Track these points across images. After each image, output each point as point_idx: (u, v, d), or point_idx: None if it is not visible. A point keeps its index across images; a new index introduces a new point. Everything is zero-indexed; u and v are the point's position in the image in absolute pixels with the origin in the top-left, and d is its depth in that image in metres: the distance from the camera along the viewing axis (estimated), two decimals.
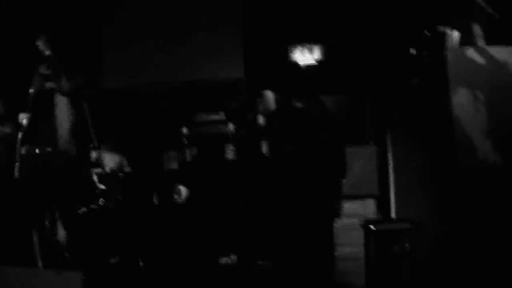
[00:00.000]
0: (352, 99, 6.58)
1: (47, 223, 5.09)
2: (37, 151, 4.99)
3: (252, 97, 4.52)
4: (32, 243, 4.95)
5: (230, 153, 4.84)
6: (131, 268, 5.05)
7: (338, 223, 4.57)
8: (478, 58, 3.61)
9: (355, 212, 5.63)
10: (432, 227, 4.22)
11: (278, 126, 4.51)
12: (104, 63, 7.42)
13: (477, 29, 3.79)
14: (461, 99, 3.54)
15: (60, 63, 4.97)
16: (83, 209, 5.33)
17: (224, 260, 5.46)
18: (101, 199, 5.40)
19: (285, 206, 4.44)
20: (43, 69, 5.02)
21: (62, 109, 5.07)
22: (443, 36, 3.95)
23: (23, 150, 5.00)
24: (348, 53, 6.67)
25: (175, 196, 5.12)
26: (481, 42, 3.77)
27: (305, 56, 6.97)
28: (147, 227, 5.64)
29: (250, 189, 4.94)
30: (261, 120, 4.53)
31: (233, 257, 5.47)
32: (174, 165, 6.65)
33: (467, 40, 3.86)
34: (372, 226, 4.47)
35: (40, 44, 5.02)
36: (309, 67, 6.93)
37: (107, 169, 5.42)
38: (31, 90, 5.04)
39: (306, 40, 6.97)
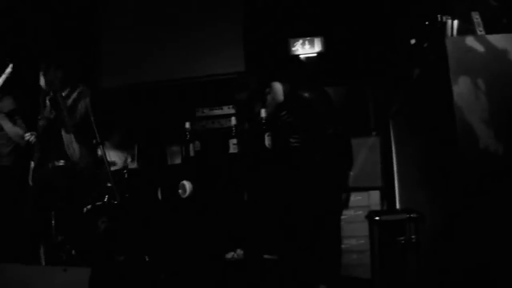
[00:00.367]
0: (352, 90, 6.58)
1: (52, 221, 5.13)
2: (61, 162, 5.06)
3: (259, 92, 4.51)
4: (37, 241, 4.99)
5: (234, 147, 4.84)
6: (137, 264, 5.07)
7: (344, 216, 4.58)
8: (478, 47, 3.60)
9: (360, 204, 5.64)
10: (436, 217, 4.22)
11: (285, 118, 4.51)
12: (104, 61, 7.43)
13: (476, 18, 3.77)
14: (462, 88, 3.53)
15: (62, 99, 5.04)
16: (88, 207, 5.36)
17: (230, 255, 5.47)
18: (106, 196, 5.42)
19: (290, 200, 4.45)
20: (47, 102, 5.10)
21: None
22: (442, 25, 3.94)
23: (33, 163, 5.09)
24: (348, 44, 6.67)
25: (180, 192, 5.12)
26: (481, 31, 3.76)
27: (306, 49, 6.97)
28: (152, 223, 5.65)
29: (254, 183, 4.94)
30: (266, 113, 4.53)
31: (239, 252, 5.48)
32: (178, 161, 6.67)
33: (466, 28, 3.85)
34: (376, 217, 4.46)
35: (42, 82, 5.09)
36: (310, 59, 6.94)
37: (111, 165, 5.43)
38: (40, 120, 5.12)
39: (306, 33, 6.97)
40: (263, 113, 4.44)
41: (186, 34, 7.21)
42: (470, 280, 3.46)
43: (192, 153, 5.09)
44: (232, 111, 6.34)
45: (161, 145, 7.00)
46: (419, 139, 4.75)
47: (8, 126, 5.25)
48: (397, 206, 5.92)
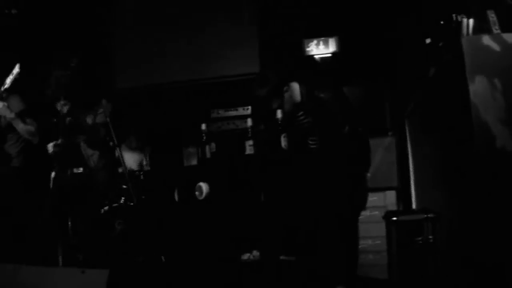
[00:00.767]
0: (368, 90, 6.55)
1: (69, 222, 5.18)
2: (80, 170, 5.13)
3: (278, 88, 4.48)
4: (54, 243, 5.04)
5: (250, 148, 4.84)
6: (154, 265, 5.08)
7: (360, 216, 4.56)
8: (494, 46, 3.58)
9: (376, 205, 5.62)
10: (453, 217, 4.20)
11: (302, 118, 4.50)
12: (118, 62, 7.47)
13: (492, 16, 3.76)
14: (478, 87, 3.52)
15: (84, 121, 5.12)
16: (105, 208, 5.39)
17: (246, 256, 5.47)
18: (123, 197, 5.45)
19: (307, 201, 4.44)
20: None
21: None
22: (458, 25, 3.92)
23: (54, 173, 5.15)
24: (363, 44, 6.65)
25: (196, 193, 5.14)
26: (496, 29, 3.74)
27: (321, 49, 6.96)
28: (168, 224, 5.67)
29: (271, 185, 4.94)
30: (282, 114, 4.53)
31: (256, 253, 5.48)
32: (194, 162, 6.69)
33: (482, 27, 3.83)
34: (394, 217, 4.45)
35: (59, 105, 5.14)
36: (324, 60, 6.93)
37: (128, 167, 5.47)
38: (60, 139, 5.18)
39: (321, 33, 6.96)
40: (279, 114, 4.42)
41: (201, 35, 7.22)
42: (486, 280, 3.44)
43: (208, 155, 5.10)
44: (247, 112, 6.34)
45: (177, 146, 7.02)
46: (435, 139, 4.73)
47: (20, 127, 5.29)
48: (413, 206, 5.91)
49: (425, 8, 5.21)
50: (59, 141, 5.17)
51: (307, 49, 6.95)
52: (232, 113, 6.56)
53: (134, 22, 7.46)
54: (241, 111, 6.52)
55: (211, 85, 7.10)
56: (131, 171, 5.75)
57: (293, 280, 4.73)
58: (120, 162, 5.09)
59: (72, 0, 7.17)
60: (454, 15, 4.00)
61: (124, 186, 5.37)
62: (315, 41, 6.97)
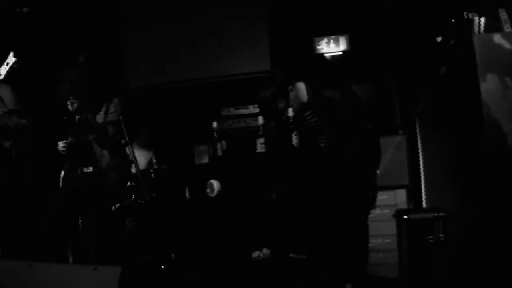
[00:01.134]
0: (378, 89, 6.54)
1: (79, 220, 5.21)
2: (90, 169, 5.15)
3: (283, 88, 4.49)
4: (64, 242, 5.07)
5: (261, 146, 4.85)
6: (165, 263, 5.10)
7: (370, 215, 4.56)
8: (506, 44, 3.58)
9: (386, 203, 5.61)
10: (464, 215, 4.20)
11: (310, 117, 4.50)
12: (129, 60, 7.49)
13: (503, 14, 3.75)
14: (490, 85, 3.52)
15: (94, 120, 5.12)
16: (116, 206, 5.41)
17: (256, 254, 5.48)
18: (133, 195, 5.46)
19: (317, 199, 4.44)
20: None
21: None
22: (469, 23, 3.91)
23: (63, 172, 5.17)
24: (374, 42, 6.64)
25: (208, 191, 5.15)
26: (508, 28, 3.73)
27: (331, 47, 6.95)
28: (179, 222, 5.68)
29: (282, 183, 4.94)
30: (292, 112, 4.53)
31: (266, 251, 5.49)
32: (205, 160, 6.70)
33: (494, 25, 3.82)
34: (405, 216, 4.45)
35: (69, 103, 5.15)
36: (335, 58, 6.92)
37: (138, 165, 5.48)
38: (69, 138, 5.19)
39: (331, 31, 6.95)
40: (290, 112, 4.43)
41: (212, 33, 7.22)
42: (497, 278, 3.44)
43: (219, 152, 5.11)
44: (257, 110, 6.34)
45: (188, 144, 7.02)
46: (446, 137, 4.73)
47: (14, 121, 5.21)
48: (424, 204, 5.90)
49: (436, 6, 5.20)
50: (69, 140, 5.19)
51: (318, 47, 6.95)
52: (243, 111, 6.56)
53: (146, 20, 7.48)
54: (251, 109, 6.52)
55: (221, 83, 7.11)
56: (142, 169, 5.76)
57: (302, 278, 4.74)
58: (130, 160, 5.11)
59: None
60: (465, 13, 4.00)
61: (134, 184, 5.39)
62: (325, 39, 6.96)
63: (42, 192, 5.44)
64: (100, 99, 5.26)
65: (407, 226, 4.31)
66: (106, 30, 7.36)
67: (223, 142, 5.15)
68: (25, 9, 6.50)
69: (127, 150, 5.07)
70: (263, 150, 4.81)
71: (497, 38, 3.59)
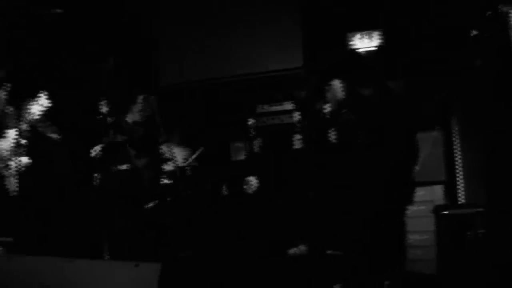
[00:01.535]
0: (413, 84, 6.48)
1: (117, 218, 5.28)
2: (124, 167, 5.23)
3: (319, 86, 4.49)
4: (103, 238, 5.15)
5: (298, 143, 4.86)
6: (203, 259, 5.14)
7: (407, 211, 4.54)
8: None
9: (423, 199, 5.57)
10: (502, 211, 4.16)
11: (347, 114, 4.50)
12: (162, 60, 7.56)
13: None
14: None
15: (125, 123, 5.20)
16: (154, 202, 5.46)
17: (293, 250, 5.49)
18: (171, 193, 5.52)
19: (355, 195, 4.44)
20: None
21: None
22: (505, 16, 3.87)
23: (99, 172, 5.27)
24: (407, 37, 6.59)
25: (245, 187, 5.19)
26: None
27: (365, 43, 6.92)
28: (216, 218, 5.73)
29: (319, 179, 4.94)
30: (328, 109, 4.52)
31: (302, 247, 5.50)
32: (241, 156, 6.72)
33: None
34: (444, 211, 4.41)
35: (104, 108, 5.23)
36: (369, 53, 6.88)
37: (176, 163, 5.53)
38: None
39: (365, 26, 6.91)
40: (327, 108, 4.42)
41: (245, 30, 7.25)
42: None
43: (256, 149, 5.14)
44: (292, 106, 6.34)
45: (224, 141, 7.05)
46: (483, 132, 4.68)
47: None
48: (461, 200, 5.84)
49: None
50: (103, 144, 5.26)
51: (351, 42, 6.91)
52: (277, 108, 6.56)
53: (177, 18, 7.54)
54: (286, 106, 6.52)
55: (255, 80, 7.12)
56: (179, 167, 5.81)
57: (340, 275, 4.74)
58: (166, 158, 5.16)
59: None
60: (500, 6, 3.95)
61: (171, 181, 5.44)
62: (359, 35, 6.93)
63: (80, 191, 5.53)
64: (130, 99, 5.32)
65: (446, 222, 4.28)
66: (136, 30, 7.43)
67: (259, 139, 5.17)
68: (59, 10, 6.58)
69: (164, 148, 5.12)
70: (300, 146, 4.82)
71: None
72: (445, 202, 5.75)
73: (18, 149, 5.07)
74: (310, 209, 4.95)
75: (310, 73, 4.45)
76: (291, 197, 5.12)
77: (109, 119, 5.23)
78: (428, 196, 5.69)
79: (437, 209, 4.50)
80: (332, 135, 4.42)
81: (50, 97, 4.91)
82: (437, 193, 5.76)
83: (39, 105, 4.90)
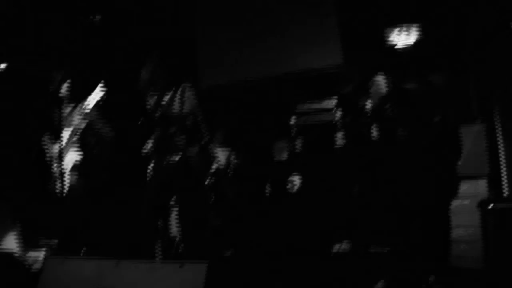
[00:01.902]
0: (453, 77, 6.41)
1: (162, 219, 5.32)
2: (176, 159, 5.27)
3: (363, 82, 4.49)
4: (151, 240, 5.20)
5: (340, 140, 4.84)
6: (247, 259, 5.17)
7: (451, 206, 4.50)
8: None
9: (466, 193, 5.50)
10: None
11: (390, 110, 4.48)
12: (201, 60, 7.61)
13: None
14: None
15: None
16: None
17: (337, 247, 5.48)
18: (213, 193, 5.55)
19: (399, 191, 4.42)
20: None
21: None
22: None
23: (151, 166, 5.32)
24: (446, 30, 6.51)
25: (289, 186, 5.19)
26: None
27: (403, 37, 6.86)
28: (260, 218, 5.74)
29: (363, 175, 4.92)
30: (371, 105, 4.51)
31: (346, 244, 5.48)
32: (284, 155, 6.73)
33: None
34: (490, 206, 4.35)
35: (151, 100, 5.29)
36: (408, 48, 6.82)
37: (219, 163, 5.56)
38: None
39: (403, 21, 6.86)
40: (368, 104, 4.41)
41: (284, 29, 7.27)
42: None
43: (298, 148, 5.15)
44: (332, 104, 6.32)
45: (266, 140, 7.06)
46: None
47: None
48: (505, 194, 5.76)
49: None
50: (154, 136, 5.29)
51: (390, 37, 6.86)
52: (317, 106, 6.55)
53: (216, 20, 7.59)
54: (326, 104, 6.50)
55: (295, 78, 7.13)
56: (222, 167, 5.83)
57: (384, 271, 4.73)
58: (211, 158, 5.18)
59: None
60: None
61: (217, 181, 5.46)
62: (397, 29, 6.87)
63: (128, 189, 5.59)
64: (175, 91, 5.33)
65: (493, 216, 4.21)
66: (176, 33, 7.50)
67: (301, 138, 5.17)
68: (97, 17, 6.69)
69: (208, 149, 5.13)
70: (343, 144, 4.81)
71: None
72: (489, 196, 5.68)
73: (71, 148, 5.23)
74: (354, 206, 4.94)
75: (352, 70, 4.43)
76: (335, 195, 5.11)
77: (157, 112, 5.26)
78: (471, 189, 5.62)
79: (482, 204, 4.43)
80: (376, 131, 4.40)
81: (103, 96, 5.06)
82: (481, 187, 5.68)
83: (94, 104, 5.06)
